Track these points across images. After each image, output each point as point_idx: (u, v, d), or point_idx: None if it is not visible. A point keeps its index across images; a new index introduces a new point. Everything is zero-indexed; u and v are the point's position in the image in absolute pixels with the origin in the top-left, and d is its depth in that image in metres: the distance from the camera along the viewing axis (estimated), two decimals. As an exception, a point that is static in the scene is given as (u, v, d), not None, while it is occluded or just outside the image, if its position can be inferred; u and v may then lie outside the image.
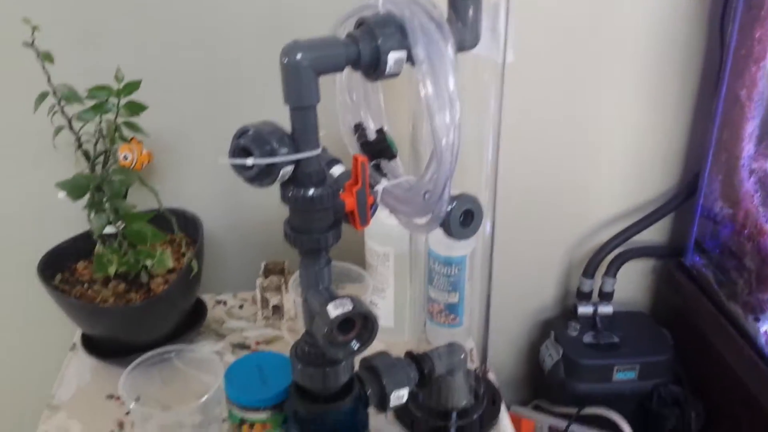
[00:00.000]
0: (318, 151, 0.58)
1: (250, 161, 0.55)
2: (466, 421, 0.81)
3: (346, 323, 0.63)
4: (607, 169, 1.13)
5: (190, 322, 0.94)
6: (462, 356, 0.80)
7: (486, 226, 0.80)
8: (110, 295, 0.87)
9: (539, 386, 1.23)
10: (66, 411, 0.84)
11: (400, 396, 0.74)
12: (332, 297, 0.63)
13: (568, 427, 1.08)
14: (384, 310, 0.94)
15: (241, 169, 0.56)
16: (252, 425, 0.77)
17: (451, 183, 0.57)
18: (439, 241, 0.86)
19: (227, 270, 1.12)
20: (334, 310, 0.61)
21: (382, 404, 0.74)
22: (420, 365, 0.76)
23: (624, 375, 1.10)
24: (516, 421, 1.12)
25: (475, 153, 0.77)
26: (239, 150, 0.56)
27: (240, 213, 1.08)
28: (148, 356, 0.75)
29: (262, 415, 0.76)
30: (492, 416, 0.82)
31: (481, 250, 0.86)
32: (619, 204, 1.16)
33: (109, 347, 0.90)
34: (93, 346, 0.91)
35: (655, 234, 1.19)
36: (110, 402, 0.85)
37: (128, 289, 0.88)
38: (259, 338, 0.97)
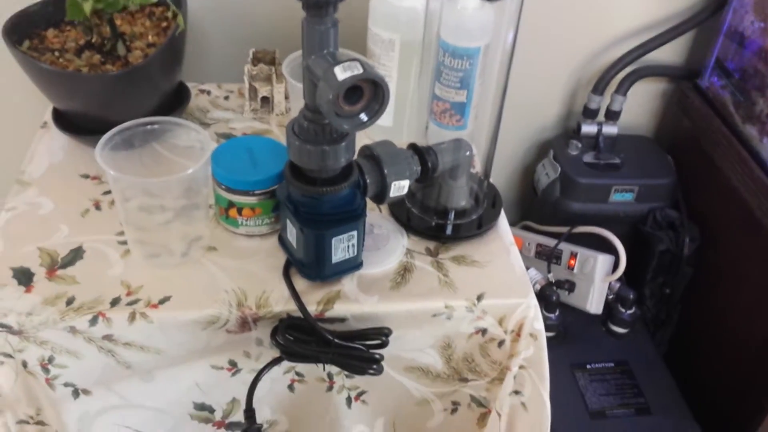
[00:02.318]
0: None
1: None
2: (463, 220, 0.77)
3: (353, 92, 0.56)
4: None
5: (172, 106, 0.86)
6: (467, 153, 0.74)
7: (509, 32, 0.72)
8: (83, 65, 0.78)
9: (530, 207, 1.20)
10: (37, 187, 0.78)
11: (400, 187, 0.69)
12: (338, 61, 0.56)
13: (557, 244, 1.06)
14: (382, 107, 0.87)
15: None
16: (240, 209, 0.72)
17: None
18: (452, 30, 0.77)
19: (211, 60, 1.03)
20: (342, 73, 0.54)
21: (381, 195, 0.69)
22: (423, 158, 0.71)
23: (621, 196, 1.07)
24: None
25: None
26: None
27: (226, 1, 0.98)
28: (126, 126, 0.68)
29: (251, 199, 0.71)
30: (491, 218, 0.78)
31: (500, 51, 0.78)
32: (640, 17, 1.07)
33: (83, 125, 0.83)
34: (66, 123, 0.83)
35: (671, 55, 1.11)
36: (85, 181, 0.80)
37: (104, 61, 0.80)
38: (246, 130, 0.90)
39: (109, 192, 0.77)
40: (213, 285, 0.68)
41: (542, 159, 1.15)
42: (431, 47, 0.79)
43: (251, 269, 0.70)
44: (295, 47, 0.77)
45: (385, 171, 0.67)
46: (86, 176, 0.81)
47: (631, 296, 1.04)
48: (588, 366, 1.02)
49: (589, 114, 1.11)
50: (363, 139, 0.85)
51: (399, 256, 0.74)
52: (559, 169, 1.08)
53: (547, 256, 1.07)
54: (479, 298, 0.70)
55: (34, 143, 0.85)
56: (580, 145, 1.10)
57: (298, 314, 0.66)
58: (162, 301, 0.66)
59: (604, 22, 1.07)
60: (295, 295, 0.67)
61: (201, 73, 1.02)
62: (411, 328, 0.70)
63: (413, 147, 0.72)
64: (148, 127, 0.70)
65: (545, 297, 1.02)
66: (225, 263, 0.71)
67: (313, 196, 0.64)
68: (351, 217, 0.66)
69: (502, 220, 0.79)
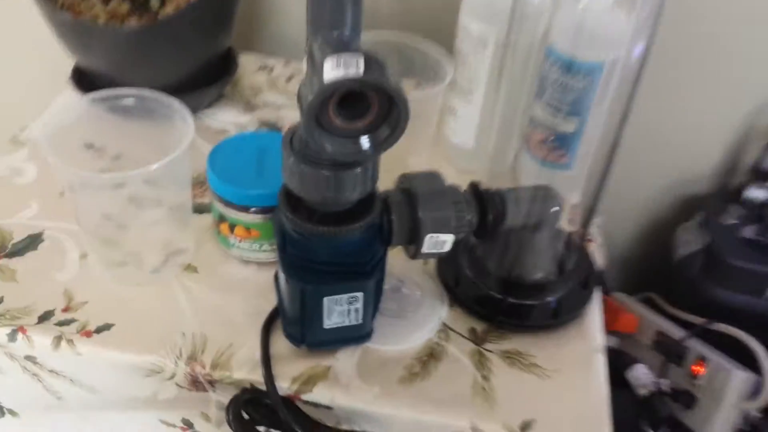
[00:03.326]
0: None
1: None
2: (535, 300, 0.54)
3: (355, 102, 0.36)
4: None
5: (211, 77, 0.70)
6: (554, 209, 0.51)
7: (638, 45, 0.47)
8: (104, 14, 0.64)
9: (658, 276, 0.93)
10: (29, 150, 0.66)
11: (439, 242, 0.48)
12: (343, 47, 0.36)
13: (684, 339, 0.79)
14: (465, 123, 0.66)
15: None
16: (232, 227, 0.54)
17: None
18: (569, 35, 0.55)
19: (285, 25, 0.85)
20: (333, 69, 0.35)
21: (412, 248, 0.48)
22: (483, 206, 0.49)
23: (786, 294, 0.78)
24: (613, 312, 0.85)
25: None
26: None
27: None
28: (105, 95, 0.53)
29: (246, 217, 0.53)
30: (576, 304, 0.55)
31: (622, 69, 0.54)
32: None
33: (103, 86, 0.68)
34: (85, 82, 0.70)
35: None
36: (86, 153, 0.65)
37: (131, 12, 0.65)
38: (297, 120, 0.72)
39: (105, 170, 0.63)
40: (172, 321, 0.52)
41: (685, 220, 0.88)
42: (534, 53, 0.57)
43: (228, 310, 0.53)
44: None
45: (420, 216, 0.47)
46: (90, 146, 0.66)
47: (774, 431, 0.76)
48: None
49: (760, 176, 0.82)
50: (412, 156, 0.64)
51: (429, 333, 0.53)
52: (708, 239, 0.81)
53: (667, 352, 0.81)
54: (524, 428, 0.47)
55: (54, 100, 0.72)
56: (740, 215, 0.82)
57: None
58: (100, 330, 0.50)
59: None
60: (265, 360, 0.49)
61: (270, 41, 0.85)
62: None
63: (473, 188, 0.50)
64: (125, 101, 0.53)
65: (651, 408, 0.76)
66: (199, 293, 0.54)
67: (307, 234, 0.45)
68: (356, 273, 0.46)
69: (594, 309, 0.56)
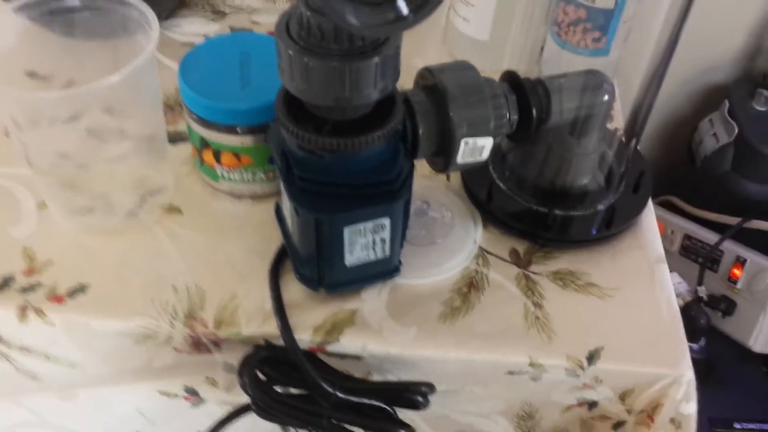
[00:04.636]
0: None
1: None
2: (582, 211, 0.47)
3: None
4: None
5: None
6: (605, 96, 0.43)
7: None
8: None
9: (680, 178, 0.86)
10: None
11: (477, 148, 0.39)
12: None
13: (720, 242, 0.73)
14: (479, 9, 0.56)
15: None
16: (218, 154, 0.45)
17: None
18: None
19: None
20: None
21: (443, 158, 0.40)
22: (525, 100, 0.41)
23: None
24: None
25: None
26: None
27: None
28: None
29: (234, 140, 0.44)
30: (630, 212, 0.47)
31: None
32: None
33: None
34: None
35: None
36: (29, 82, 0.54)
37: None
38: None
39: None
40: (160, 273, 0.43)
41: (710, 112, 0.80)
42: None
43: (224, 254, 0.44)
44: None
45: (453, 117, 0.38)
46: (33, 75, 0.56)
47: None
48: (736, 426, 0.70)
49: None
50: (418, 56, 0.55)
51: (465, 260, 0.45)
52: (736, 130, 0.74)
53: (701, 257, 0.74)
54: (592, 357, 0.40)
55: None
56: (771, 99, 0.74)
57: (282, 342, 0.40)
58: (72, 293, 0.42)
59: None
60: (280, 312, 0.40)
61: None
62: (470, 384, 0.42)
63: (510, 78, 0.41)
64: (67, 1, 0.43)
65: (690, 317, 0.70)
66: (188, 237, 0.45)
67: (317, 151, 0.36)
68: (382, 194, 0.38)
69: (649, 216, 0.48)
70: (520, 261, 0.45)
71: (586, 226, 0.46)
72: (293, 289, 0.42)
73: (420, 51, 0.58)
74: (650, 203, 0.48)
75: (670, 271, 0.74)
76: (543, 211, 0.46)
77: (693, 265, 0.76)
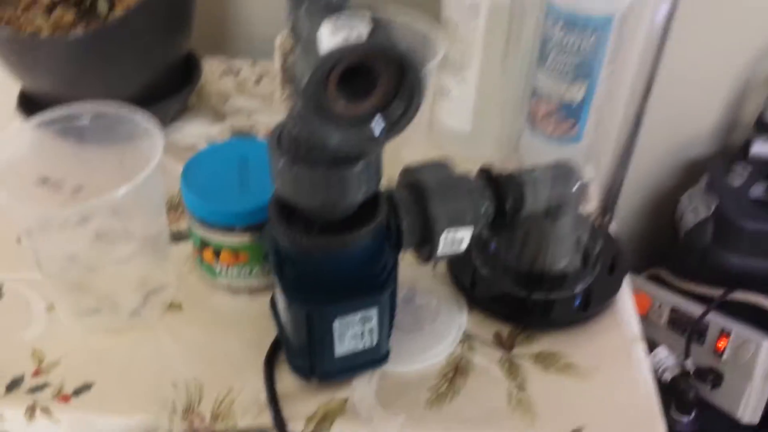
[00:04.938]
0: None
1: None
2: (560, 293, 0.49)
3: (358, 77, 0.30)
4: None
5: (173, 87, 0.64)
6: (576, 186, 0.46)
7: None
8: (48, 25, 0.57)
9: (665, 252, 0.89)
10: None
11: (457, 240, 0.42)
12: (335, 10, 0.30)
13: (704, 314, 0.75)
14: (460, 103, 0.60)
15: None
16: (217, 252, 0.48)
17: None
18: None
19: (249, 23, 0.79)
20: (332, 35, 0.29)
21: (426, 250, 0.43)
22: (500, 192, 0.44)
23: (806, 252, 0.74)
24: (626, 292, 0.80)
25: None
26: None
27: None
28: (55, 116, 0.46)
29: (233, 239, 0.47)
30: (606, 293, 0.50)
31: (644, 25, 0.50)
32: None
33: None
34: (34, 107, 0.63)
35: None
36: (41, 190, 0.58)
37: (77, 20, 0.58)
38: (272, 126, 0.66)
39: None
40: (160, 370, 0.45)
41: (690, 186, 0.84)
42: (533, 13, 0.52)
43: (222, 348, 0.47)
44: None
45: (433, 213, 0.41)
46: (46, 180, 0.59)
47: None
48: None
49: (765, 128, 0.78)
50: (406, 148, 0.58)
51: (450, 346, 0.47)
52: (715, 204, 0.77)
53: (687, 330, 0.76)
54: (574, 437, 0.42)
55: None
56: (748, 173, 0.78)
57: (277, 433, 0.42)
58: (78, 391, 0.44)
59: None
60: (273, 403, 0.42)
61: (236, 41, 0.79)
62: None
63: (485, 173, 0.45)
64: (79, 121, 0.47)
65: (678, 391, 0.72)
66: (188, 333, 0.48)
67: (308, 249, 0.39)
68: (369, 287, 0.41)
69: (624, 296, 0.51)
70: (503, 344, 0.47)
71: (564, 309, 0.48)
72: (287, 380, 0.44)
73: (408, 142, 0.61)
74: (626, 283, 0.51)
75: (659, 344, 0.76)
76: (523, 296, 0.49)
77: (680, 338, 0.78)
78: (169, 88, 0.63)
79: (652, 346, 0.79)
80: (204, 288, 0.51)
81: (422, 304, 0.49)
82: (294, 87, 0.31)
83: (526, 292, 0.49)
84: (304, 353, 0.42)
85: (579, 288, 0.49)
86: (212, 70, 0.73)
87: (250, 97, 0.70)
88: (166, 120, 0.65)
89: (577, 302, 0.49)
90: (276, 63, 0.65)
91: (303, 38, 0.31)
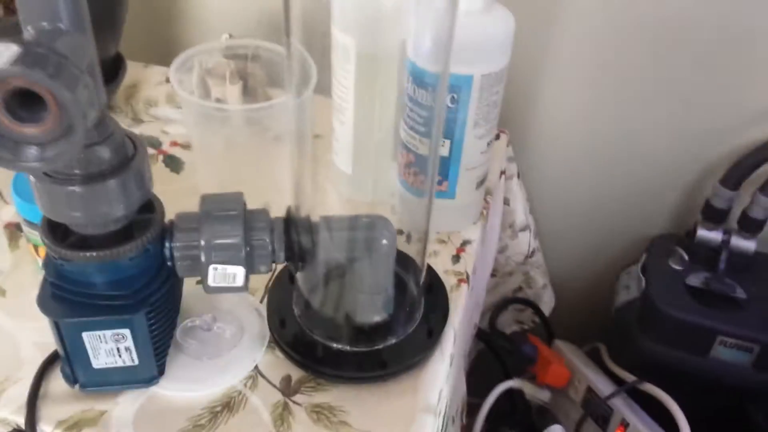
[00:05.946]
0: None
1: None
2: (363, 346, 0.47)
3: (32, 101, 0.31)
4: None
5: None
6: (383, 241, 0.45)
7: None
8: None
9: (604, 327, 0.83)
10: None
11: (226, 275, 0.42)
12: (46, 40, 0.31)
13: (608, 398, 0.70)
14: (342, 144, 0.60)
15: None
16: (36, 247, 0.50)
17: None
18: (419, 43, 0.48)
19: (203, 32, 0.81)
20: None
21: (203, 282, 0.43)
22: (289, 235, 0.43)
23: (729, 353, 0.68)
24: (545, 362, 0.76)
25: None
26: None
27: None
28: None
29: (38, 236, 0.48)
30: (414, 354, 0.47)
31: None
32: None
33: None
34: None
35: None
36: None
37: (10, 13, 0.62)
38: (179, 138, 0.68)
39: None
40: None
41: (633, 264, 0.79)
42: (396, 64, 0.51)
43: (18, 340, 0.48)
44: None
45: (202, 244, 0.41)
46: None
47: None
48: None
49: (713, 215, 0.72)
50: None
51: (233, 379, 0.46)
52: (644, 285, 0.72)
53: (593, 412, 0.72)
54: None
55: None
56: (687, 258, 0.72)
57: None
58: None
59: (756, 74, 0.68)
60: (31, 400, 0.43)
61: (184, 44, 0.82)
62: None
63: (286, 214, 0.44)
64: None
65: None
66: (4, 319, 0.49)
67: (59, 259, 0.40)
68: (119, 307, 0.41)
69: (438, 363, 0.48)
70: (287, 389, 0.46)
71: (360, 364, 0.47)
72: (60, 384, 0.45)
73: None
74: (444, 350, 0.48)
75: (558, 423, 0.72)
76: (322, 343, 0.47)
77: (589, 421, 0.73)
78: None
79: (552, 422, 0.75)
80: (34, 280, 0.52)
81: (220, 332, 0.48)
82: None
83: (325, 339, 0.47)
84: (66, 360, 0.43)
85: (382, 344, 0.47)
86: (154, 77, 0.75)
87: (176, 106, 0.72)
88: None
89: (373, 359, 0.47)
90: (194, 77, 0.67)
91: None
